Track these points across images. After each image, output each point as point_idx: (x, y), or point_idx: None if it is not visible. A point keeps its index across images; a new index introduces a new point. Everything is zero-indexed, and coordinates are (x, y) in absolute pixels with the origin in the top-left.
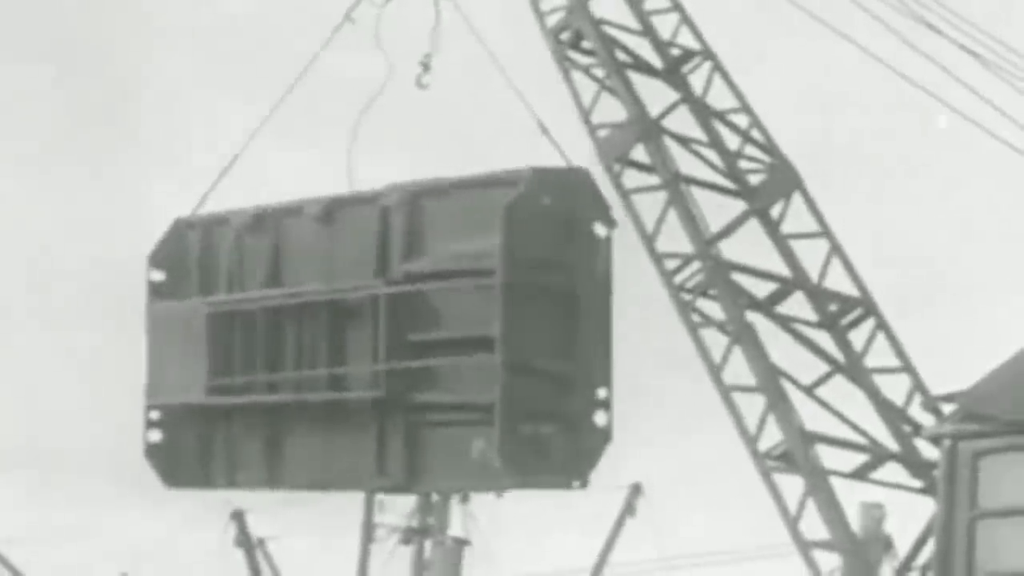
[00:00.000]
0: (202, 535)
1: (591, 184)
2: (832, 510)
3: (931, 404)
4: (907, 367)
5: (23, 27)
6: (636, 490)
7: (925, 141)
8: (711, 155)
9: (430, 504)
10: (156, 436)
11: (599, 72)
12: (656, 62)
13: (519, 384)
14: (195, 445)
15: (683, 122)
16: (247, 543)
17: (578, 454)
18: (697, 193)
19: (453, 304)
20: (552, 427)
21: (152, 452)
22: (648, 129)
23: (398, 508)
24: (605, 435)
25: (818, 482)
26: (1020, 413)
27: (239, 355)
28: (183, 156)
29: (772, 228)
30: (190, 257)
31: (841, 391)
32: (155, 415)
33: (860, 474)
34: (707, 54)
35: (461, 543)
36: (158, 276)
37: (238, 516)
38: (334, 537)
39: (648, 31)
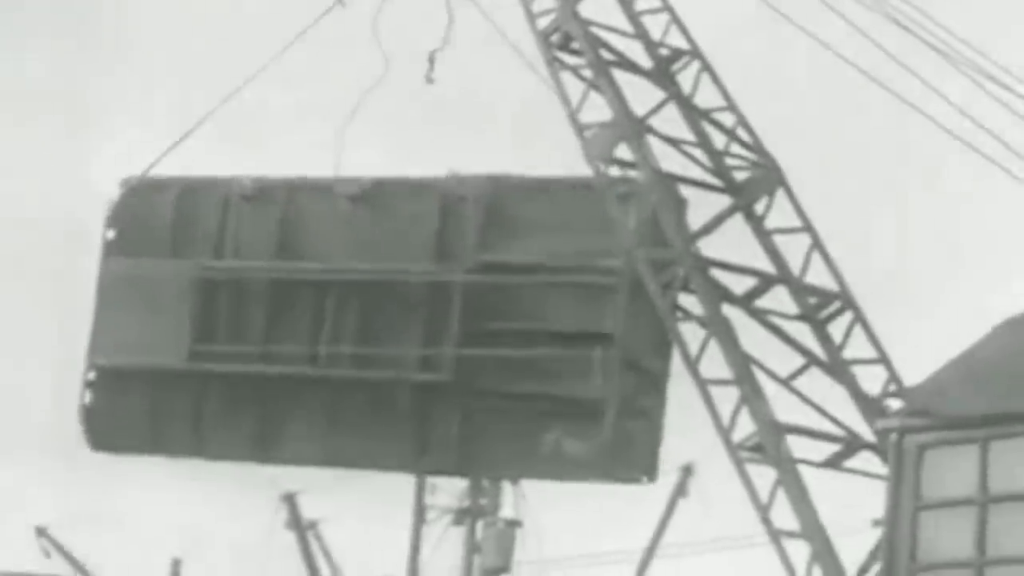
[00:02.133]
0: (253, 518)
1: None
2: (801, 500)
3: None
4: (883, 359)
5: None
6: (688, 471)
7: (890, 138)
8: (698, 153)
9: (481, 485)
10: (92, 397)
11: (587, 73)
12: (645, 62)
13: (627, 381)
14: (150, 409)
15: (675, 121)
16: (298, 526)
17: (651, 449)
18: (683, 191)
19: (541, 297)
20: (638, 423)
21: (88, 413)
22: (631, 128)
23: (450, 489)
24: (662, 432)
25: (788, 472)
26: (962, 408)
27: (233, 323)
28: (146, 123)
29: (756, 224)
30: (158, 219)
31: (822, 382)
32: (93, 375)
33: (833, 463)
34: (695, 53)
35: (513, 524)
36: (113, 235)
37: (289, 499)
38: (385, 519)
39: (639, 31)
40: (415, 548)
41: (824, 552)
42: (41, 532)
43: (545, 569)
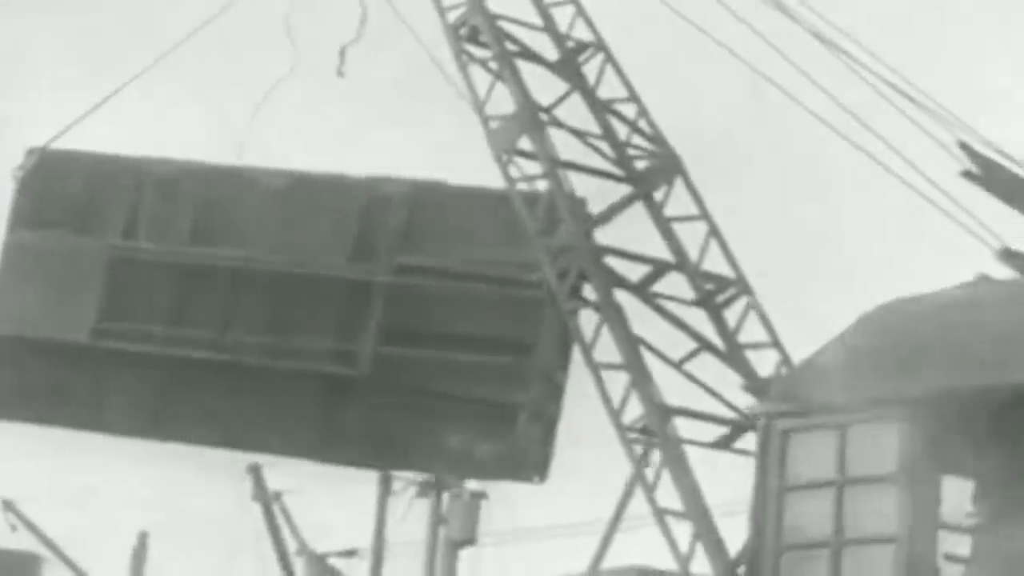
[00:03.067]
0: (219, 490)
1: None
2: (685, 480)
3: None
4: (775, 342)
5: None
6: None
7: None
8: (603, 144)
9: None
10: None
11: (495, 65)
12: (553, 55)
13: (539, 390)
14: (49, 380)
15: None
16: (264, 497)
17: (547, 453)
18: (588, 181)
19: (463, 303)
20: (540, 429)
21: None
22: (532, 119)
23: None
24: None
25: (672, 453)
26: (826, 396)
27: (141, 304)
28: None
29: (656, 212)
30: (68, 193)
31: (720, 365)
32: None
33: (722, 444)
34: (600, 45)
35: (479, 496)
36: (20, 206)
37: (255, 470)
38: (351, 490)
39: (548, 24)
40: (381, 520)
41: (706, 531)
42: (8, 506)
43: (511, 540)
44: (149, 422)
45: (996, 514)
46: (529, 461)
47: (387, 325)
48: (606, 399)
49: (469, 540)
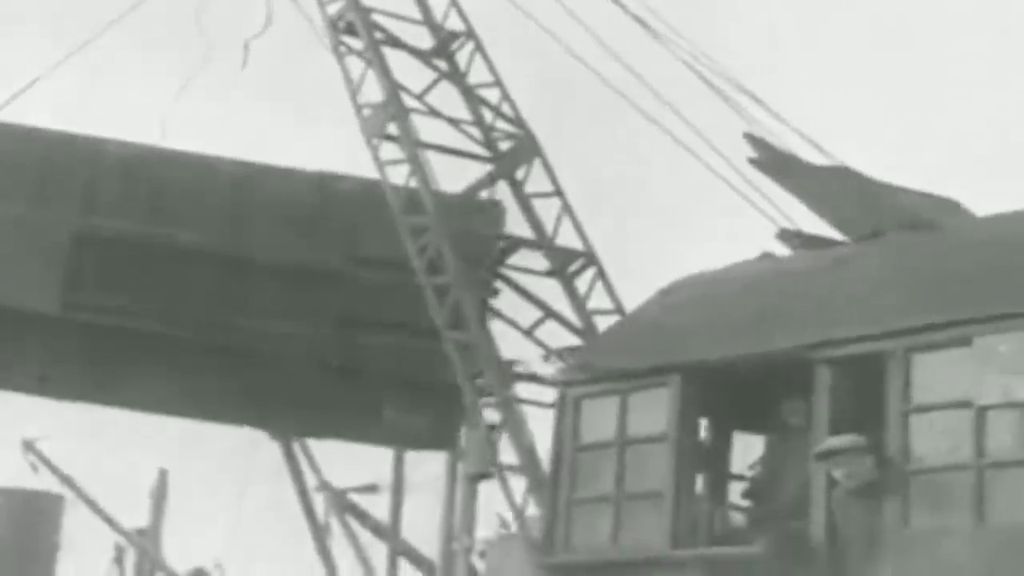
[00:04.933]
0: (238, 428)
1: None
2: (521, 438)
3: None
4: (619, 309)
5: None
6: None
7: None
8: (472, 128)
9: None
10: None
11: (368, 55)
12: (424, 45)
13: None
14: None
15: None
16: (283, 435)
17: (457, 424)
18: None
19: (408, 293)
20: (458, 406)
21: None
22: (397, 107)
23: None
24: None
25: (510, 414)
26: (614, 364)
27: (102, 278)
28: None
29: (517, 190)
30: (22, 166)
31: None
32: None
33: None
34: (470, 34)
35: (495, 429)
36: None
37: None
38: None
39: (426, 16)
40: (399, 455)
41: (537, 485)
42: (29, 447)
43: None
44: (97, 388)
45: (769, 466)
46: (451, 434)
47: (341, 312)
48: (459, 365)
49: (487, 474)
